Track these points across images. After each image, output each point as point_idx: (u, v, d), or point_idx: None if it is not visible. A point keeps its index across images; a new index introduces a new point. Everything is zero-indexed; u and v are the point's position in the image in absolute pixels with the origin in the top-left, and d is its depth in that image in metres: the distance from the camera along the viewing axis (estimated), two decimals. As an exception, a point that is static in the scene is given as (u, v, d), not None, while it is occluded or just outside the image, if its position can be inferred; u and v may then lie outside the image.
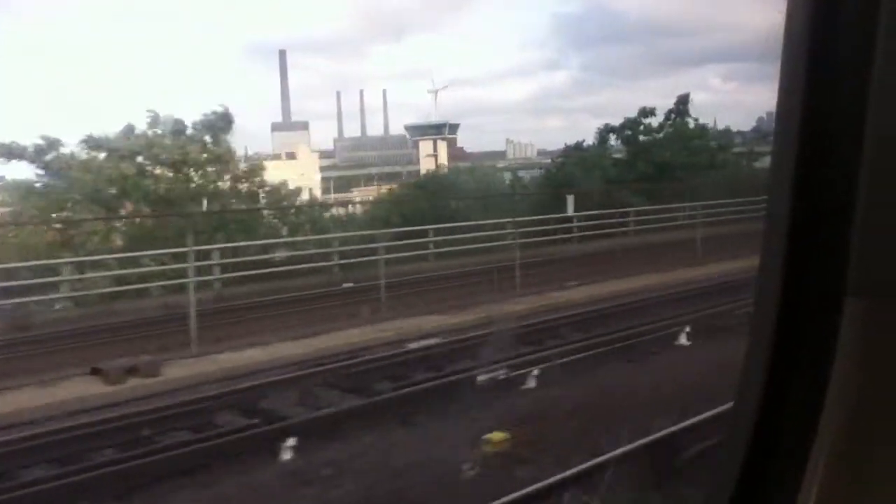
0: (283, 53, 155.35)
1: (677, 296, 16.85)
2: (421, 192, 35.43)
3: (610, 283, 18.62)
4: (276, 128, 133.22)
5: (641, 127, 38.72)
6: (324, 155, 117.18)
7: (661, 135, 38.83)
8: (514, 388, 10.64)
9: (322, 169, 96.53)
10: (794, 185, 1.04)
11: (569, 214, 20.80)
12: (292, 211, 26.56)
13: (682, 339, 13.06)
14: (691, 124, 39.77)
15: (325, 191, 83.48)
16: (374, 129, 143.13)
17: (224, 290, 19.61)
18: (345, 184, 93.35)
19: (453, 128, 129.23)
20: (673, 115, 39.57)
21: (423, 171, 68.45)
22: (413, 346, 13.32)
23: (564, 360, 11.88)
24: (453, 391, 10.52)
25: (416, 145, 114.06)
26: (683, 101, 39.92)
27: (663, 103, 40.01)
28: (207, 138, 23.49)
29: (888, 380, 0.98)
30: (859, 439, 1.00)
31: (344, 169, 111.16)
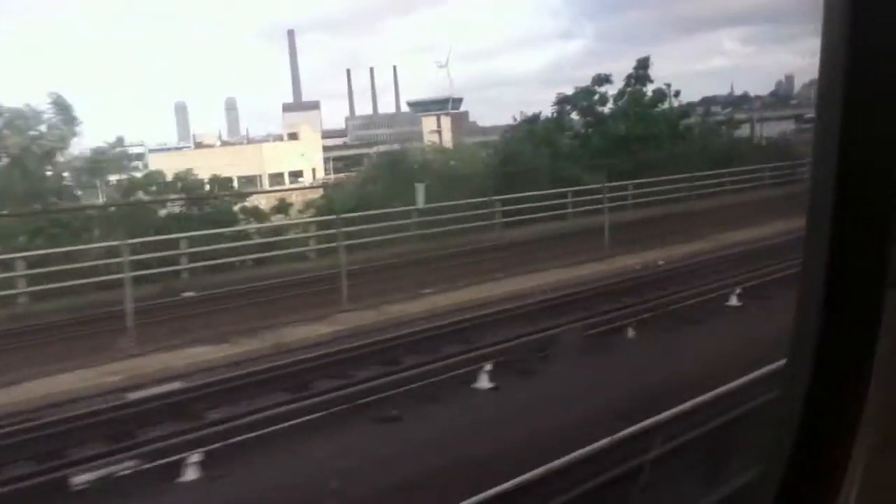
0: (291, 33, 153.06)
1: (539, 306, 13.37)
2: (376, 176, 31.80)
3: (477, 288, 15.14)
4: (287, 108, 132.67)
5: (597, 96, 34.20)
6: (335, 134, 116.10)
7: (621, 103, 34.21)
8: (165, 481, 7.26)
9: (328, 149, 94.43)
10: (837, 169, 1.02)
11: (419, 207, 17.17)
12: (185, 204, 23.25)
13: (484, 382, 9.58)
14: (664, 93, 35.01)
15: (328, 171, 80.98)
16: (387, 107, 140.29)
17: (34, 306, 16.42)
18: (352, 163, 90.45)
19: (457, 102, 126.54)
20: (632, 82, 34.67)
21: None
22: (134, 396, 9.99)
23: (298, 420, 8.48)
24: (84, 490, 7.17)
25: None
26: (643, 64, 34.96)
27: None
28: (43, 128, 20.18)
29: None
30: None
31: (351, 148, 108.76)
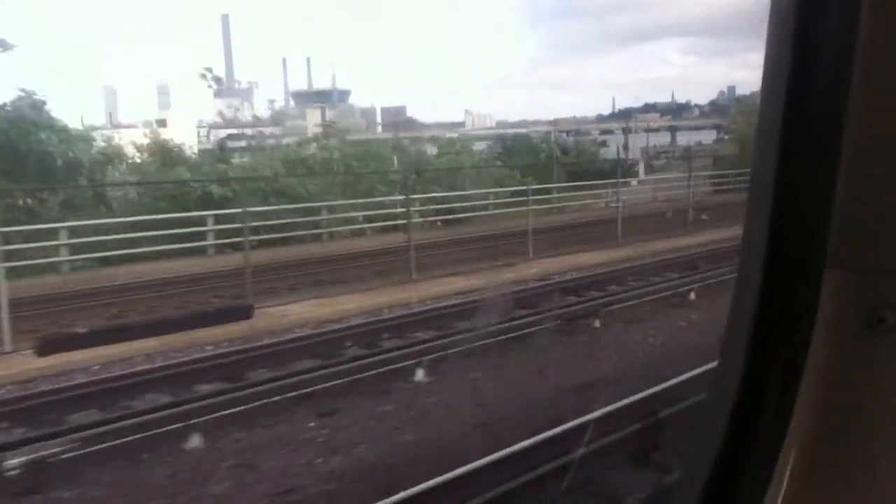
0: (225, 18, 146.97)
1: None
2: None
3: None
4: (218, 94, 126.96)
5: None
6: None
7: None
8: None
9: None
10: (778, 160, 1.03)
11: None
12: None
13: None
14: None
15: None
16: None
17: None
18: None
19: (343, 94, 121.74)
20: None
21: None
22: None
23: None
24: None
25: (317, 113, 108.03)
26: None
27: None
28: None
29: (864, 349, 1.01)
30: (837, 409, 1.03)
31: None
